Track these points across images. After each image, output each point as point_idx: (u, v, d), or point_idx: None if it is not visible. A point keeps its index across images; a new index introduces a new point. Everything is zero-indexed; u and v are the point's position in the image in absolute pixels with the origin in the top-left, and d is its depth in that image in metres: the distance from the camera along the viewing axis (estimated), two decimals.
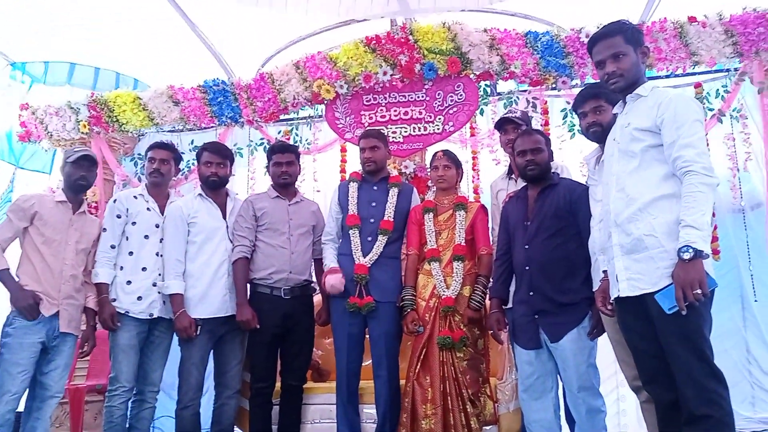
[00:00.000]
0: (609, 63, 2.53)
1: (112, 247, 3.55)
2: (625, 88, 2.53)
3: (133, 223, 3.59)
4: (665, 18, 4.49)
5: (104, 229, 3.59)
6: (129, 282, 3.52)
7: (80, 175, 3.53)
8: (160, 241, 3.59)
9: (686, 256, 2.14)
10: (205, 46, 5.66)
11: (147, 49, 6.04)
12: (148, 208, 3.64)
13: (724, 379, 2.25)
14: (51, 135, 5.46)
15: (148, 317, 3.51)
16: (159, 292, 3.53)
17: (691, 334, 2.24)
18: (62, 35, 5.84)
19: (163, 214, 3.64)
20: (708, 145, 4.55)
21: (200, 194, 3.68)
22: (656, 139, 2.39)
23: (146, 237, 3.59)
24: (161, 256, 3.57)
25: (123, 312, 3.48)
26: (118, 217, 3.58)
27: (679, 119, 2.32)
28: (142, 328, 3.51)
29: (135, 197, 3.67)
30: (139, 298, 3.50)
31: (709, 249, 2.16)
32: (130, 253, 3.56)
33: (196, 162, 5.24)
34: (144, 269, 3.55)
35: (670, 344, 2.29)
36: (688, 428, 2.25)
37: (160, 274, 3.55)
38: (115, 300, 3.50)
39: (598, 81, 2.77)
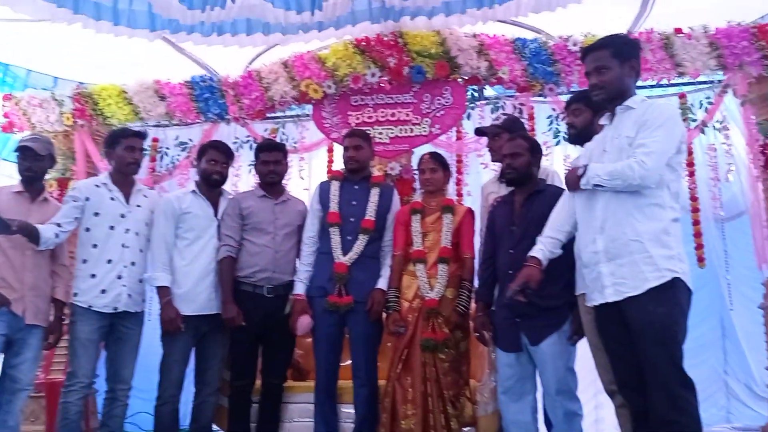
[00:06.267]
0: (593, 76, 2.61)
1: (57, 225, 3.40)
2: (607, 99, 2.60)
3: (96, 214, 3.47)
4: (652, 29, 4.56)
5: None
6: (93, 275, 3.41)
7: (26, 167, 3.44)
8: (126, 232, 3.49)
9: (580, 171, 2.53)
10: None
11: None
12: (111, 198, 3.53)
13: (693, 386, 2.31)
14: (34, 126, 5.38)
15: (112, 311, 3.42)
16: (124, 285, 3.43)
17: (667, 340, 2.30)
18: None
19: (128, 203, 3.55)
20: (690, 154, 4.67)
21: (194, 191, 3.66)
22: None
23: (111, 228, 3.47)
24: (127, 247, 3.48)
25: (85, 307, 3.38)
26: (74, 201, 3.46)
27: (649, 123, 2.42)
28: (103, 322, 3.41)
29: (97, 186, 3.55)
30: (103, 291, 3.40)
31: (594, 179, 2.46)
32: (94, 246, 3.44)
33: (181, 158, 5.25)
34: (109, 261, 3.43)
35: (644, 349, 2.34)
36: None
37: (125, 266, 3.46)
38: (76, 294, 3.41)
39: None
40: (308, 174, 5.46)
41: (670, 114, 2.49)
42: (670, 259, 2.37)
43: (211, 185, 3.69)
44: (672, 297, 2.34)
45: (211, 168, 3.67)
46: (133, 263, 3.49)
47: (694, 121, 4.72)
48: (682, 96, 4.76)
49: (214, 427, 3.70)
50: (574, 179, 2.57)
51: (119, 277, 3.44)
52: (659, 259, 2.35)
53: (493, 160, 3.82)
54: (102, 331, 3.43)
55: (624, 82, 2.57)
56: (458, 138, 5.10)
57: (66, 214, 3.44)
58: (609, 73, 2.55)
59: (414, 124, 4.84)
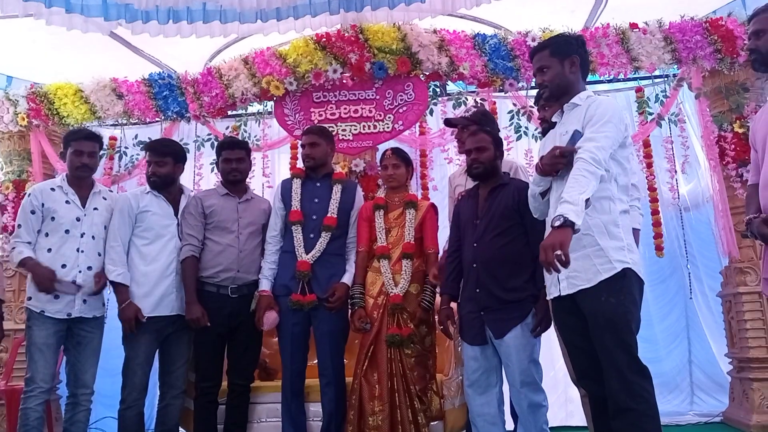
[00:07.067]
0: (537, 76, 2.74)
1: (29, 243, 3.37)
2: (553, 96, 2.70)
3: (52, 218, 3.40)
4: (608, 24, 4.64)
5: (18, 226, 3.39)
6: None
7: None
8: (82, 236, 3.42)
9: (556, 223, 2.25)
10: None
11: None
12: (67, 201, 3.45)
13: (648, 373, 2.37)
14: None
15: (66, 317, 3.34)
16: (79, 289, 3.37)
17: (620, 329, 2.36)
18: None
19: (84, 207, 3.48)
20: (648, 146, 4.78)
21: (151, 190, 3.60)
22: None
23: (67, 232, 3.40)
24: (83, 251, 3.41)
25: (38, 312, 3.30)
26: (33, 213, 3.39)
27: (594, 120, 2.47)
28: (59, 326, 3.34)
29: (52, 189, 3.47)
30: (56, 296, 3.32)
31: (579, 221, 2.25)
32: (49, 250, 3.37)
33: (140, 157, 5.17)
34: (64, 266, 3.36)
35: (599, 338, 2.39)
36: (614, 421, 2.35)
37: (80, 272, 3.38)
38: (30, 298, 3.33)
39: None
40: (272, 172, 5.42)
41: (615, 110, 2.54)
42: (621, 250, 2.42)
43: (150, 186, 3.61)
44: (623, 287, 2.40)
45: (147, 168, 3.64)
46: (89, 268, 3.41)
47: (651, 114, 4.82)
48: (639, 90, 4.86)
49: (181, 429, 3.66)
50: (561, 235, 2.25)
51: (73, 282, 3.35)
52: (610, 250, 2.41)
53: (459, 152, 3.85)
54: (59, 336, 3.35)
55: (566, 79, 2.64)
56: (422, 133, 5.12)
57: (31, 230, 3.38)
58: (549, 71, 2.65)
59: (377, 121, 4.85)
